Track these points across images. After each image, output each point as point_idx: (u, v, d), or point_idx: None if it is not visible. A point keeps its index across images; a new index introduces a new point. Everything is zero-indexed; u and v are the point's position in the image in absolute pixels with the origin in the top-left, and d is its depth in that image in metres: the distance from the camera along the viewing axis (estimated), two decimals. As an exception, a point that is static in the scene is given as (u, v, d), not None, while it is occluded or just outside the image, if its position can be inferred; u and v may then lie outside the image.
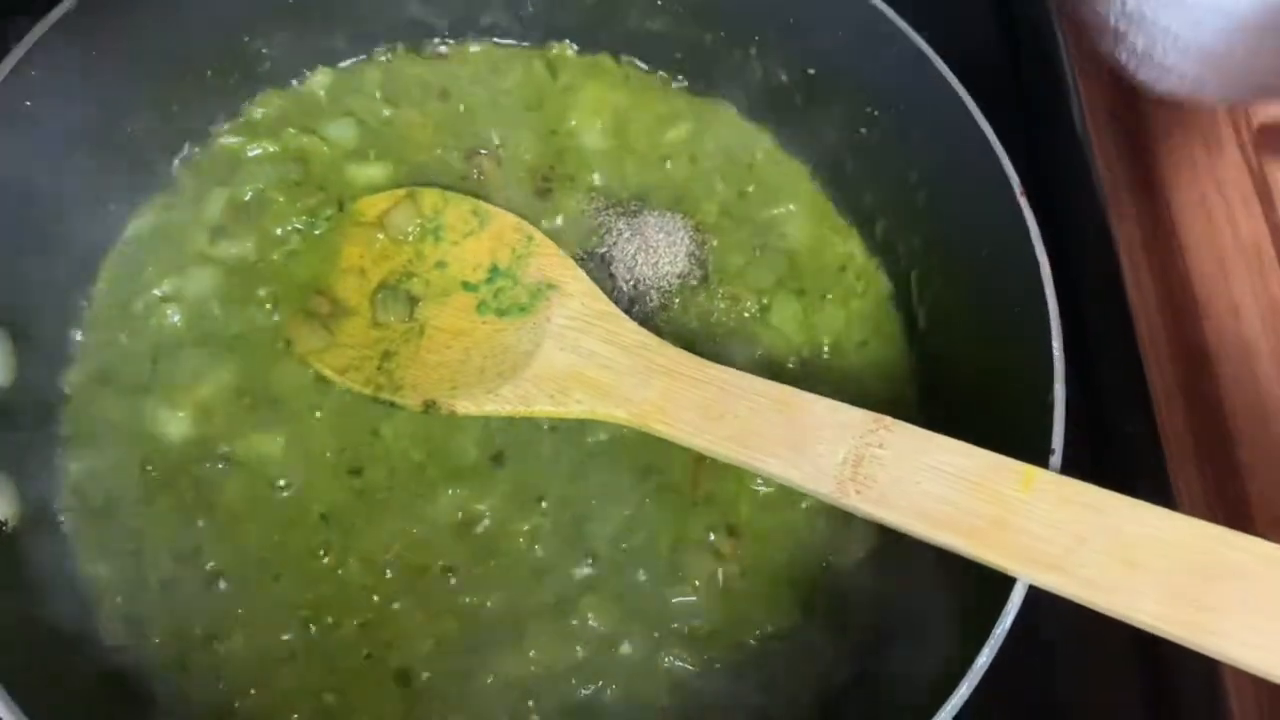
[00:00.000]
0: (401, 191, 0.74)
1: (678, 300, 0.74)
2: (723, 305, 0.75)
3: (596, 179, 0.78)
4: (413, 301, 0.71)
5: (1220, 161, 0.91)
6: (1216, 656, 0.51)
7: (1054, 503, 0.54)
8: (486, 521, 0.67)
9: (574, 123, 0.80)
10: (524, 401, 0.66)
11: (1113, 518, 0.53)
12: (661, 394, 0.63)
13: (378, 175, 0.76)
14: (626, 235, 0.75)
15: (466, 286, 0.72)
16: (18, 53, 0.60)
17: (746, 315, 0.74)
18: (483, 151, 0.78)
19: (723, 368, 0.64)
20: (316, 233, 0.74)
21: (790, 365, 0.73)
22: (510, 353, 0.68)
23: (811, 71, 0.75)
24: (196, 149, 0.75)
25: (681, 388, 0.63)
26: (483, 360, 0.68)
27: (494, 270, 0.72)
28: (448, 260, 0.73)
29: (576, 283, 0.70)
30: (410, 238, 0.73)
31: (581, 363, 0.66)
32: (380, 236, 0.73)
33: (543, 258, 0.72)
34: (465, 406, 0.67)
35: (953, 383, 0.70)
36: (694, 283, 0.75)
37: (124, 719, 0.60)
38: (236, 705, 0.61)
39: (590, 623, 0.64)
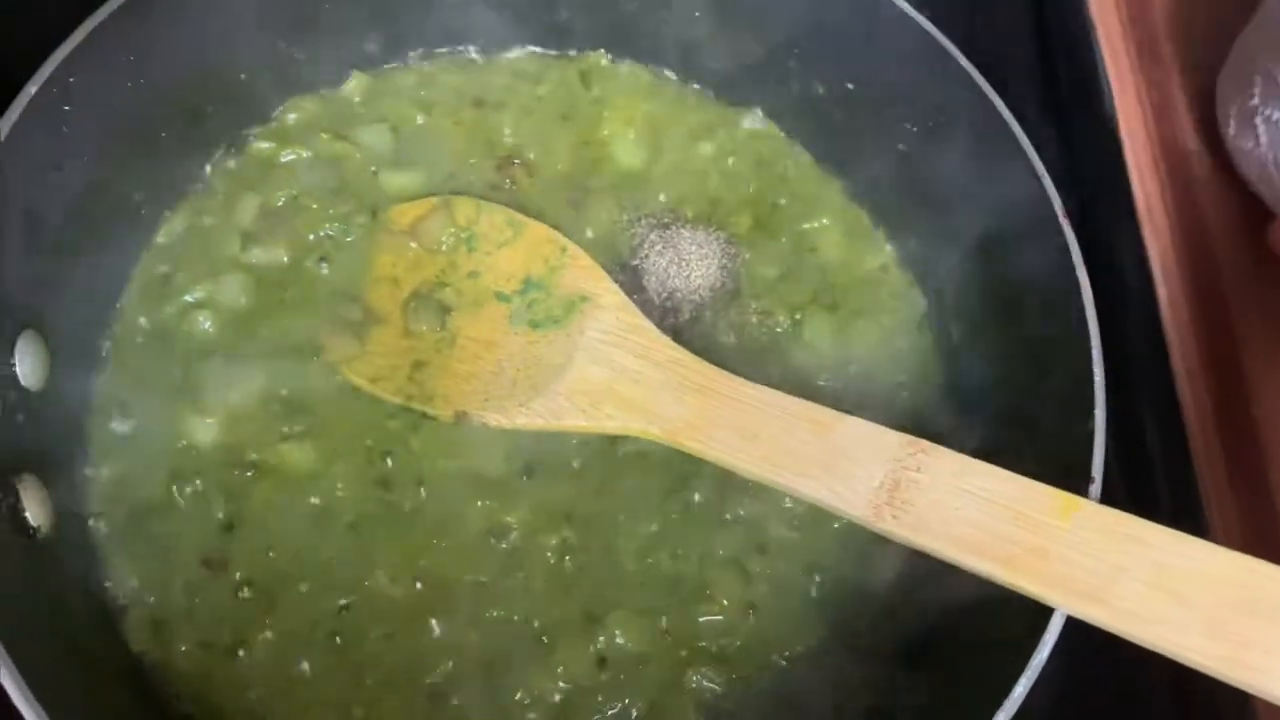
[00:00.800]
0: (435, 200, 0.74)
1: (709, 313, 0.74)
2: (755, 319, 0.74)
3: (629, 190, 0.78)
4: (445, 311, 0.70)
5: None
6: (1258, 693, 0.50)
7: (1094, 532, 0.53)
8: (515, 534, 0.66)
9: (607, 133, 0.80)
10: (555, 415, 0.66)
11: (1155, 550, 0.52)
12: (695, 411, 0.63)
13: (410, 183, 0.76)
14: (659, 247, 0.75)
15: (499, 297, 0.71)
16: (58, 56, 0.60)
17: (779, 330, 0.74)
18: (515, 161, 0.77)
19: (757, 386, 0.63)
20: (349, 239, 0.73)
21: (822, 382, 0.72)
22: (542, 365, 0.67)
23: (851, 86, 0.74)
24: (229, 154, 0.75)
25: (714, 405, 0.62)
26: (515, 372, 0.68)
27: (527, 281, 0.71)
28: (481, 270, 0.72)
29: (610, 295, 0.69)
30: (443, 247, 0.72)
31: (614, 377, 0.65)
32: (413, 245, 0.73)
33: (576, 270, 0.71)
34: (497, 419, 0.66)
35: (987, 402, 0.69)
36: (726, 296, 0.74)
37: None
38: (264, 716, 0.61)
39: (618, 639, 0.64)
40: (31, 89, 0.59)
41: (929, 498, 0.56)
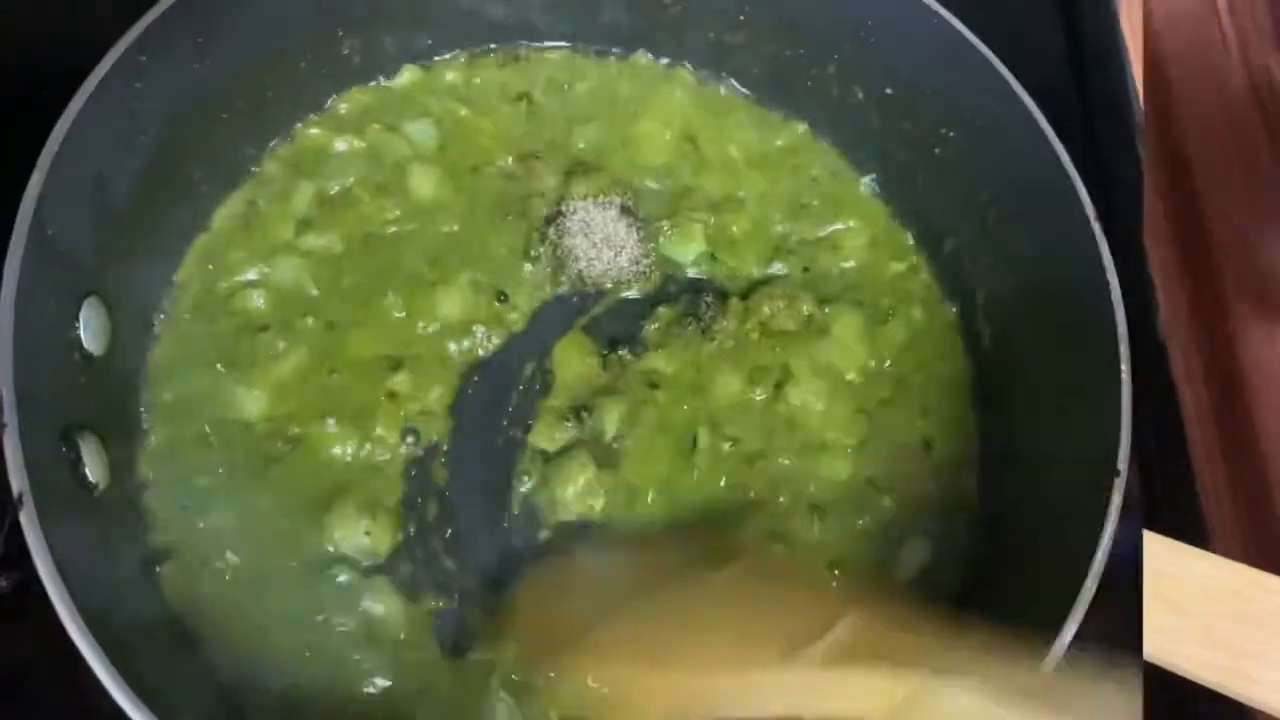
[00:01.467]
0: None
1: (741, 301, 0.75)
2: (784, 314, 0.75)
3: (662, 189, 0.79)
4: None
5: (1264, 192, 0.92)
6: (1257, 705, 0.50)
7: None
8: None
9: (643, 130, 0.81)
10: None
11: (1155, 560, 0.51)
12: None
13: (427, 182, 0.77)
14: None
15: None
16: (131, 35, 0.62)
17: (810, 325, 0.75)
18: (538, 156, 0.79)
19: None
20: (392, 231, 0.75)
21: (850, 377, 0.74)
22: None
23: (889, 91, 0.76)
24: (285, 140, 0.77)
25: None
26: None
27: None
28: None
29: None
30: None
31: None
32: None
33: None
34: None
35: (1015, 402, 0.71)
36: (758, 291, 0.76)
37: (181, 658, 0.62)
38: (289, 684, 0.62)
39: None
40: (106, 65, 0.61)
41: None
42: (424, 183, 0.77)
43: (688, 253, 0.77)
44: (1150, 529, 0.75)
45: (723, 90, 0.84)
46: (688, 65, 0.84)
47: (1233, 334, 0.85)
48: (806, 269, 0.78)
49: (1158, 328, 0.81)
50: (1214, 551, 0.74)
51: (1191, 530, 0.76)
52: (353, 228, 0.75)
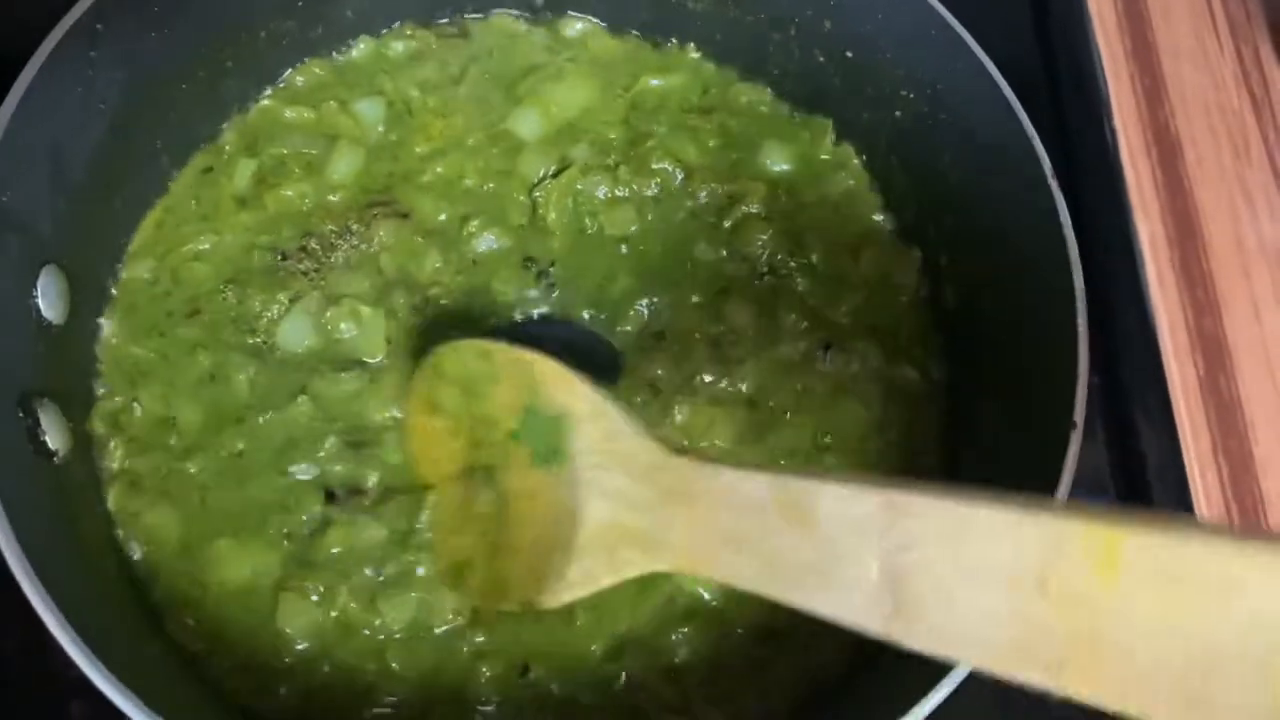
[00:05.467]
0: (425, 369, 0.65)
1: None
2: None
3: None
4: (491, 473, 0.62)
5: (1248, 168, 0.93)
6: None
7: (1151, 589, 0.34)
8: None
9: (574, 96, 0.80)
10: (590, 579, 0.54)
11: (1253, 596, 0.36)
12: (686, 530, 0.49)
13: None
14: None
15: (513, 436, 0.60)
16: (85, 2, 0.62)
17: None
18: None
19: (726, 470, 0.48)
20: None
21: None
22: (564, 514, 0.55)
23: (849, 55, 0.76)
24: (242, 113, 0.77)
25: (700, 515, 0.49)
26: (545, 530, 0.57)
27: (526, 410, 0.59)
28: (493, 414, 0.62)
29: (584, 402, 0.55)
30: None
31: (615, 509, 0.53)
32: (436, 423, 0.65)
33: (550, 383, 0.57)
34: (548, 600, 0.56)
35: (979, 360, 0.71)
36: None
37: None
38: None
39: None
40: (60, 32, 0.62)
41: (933, 587, 0.40)
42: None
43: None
44: (1140, 502, 0.77)
45: (679, 54, 0.83)
46: (644, 33, 0.83)
47: (1219, 308, 0.86)
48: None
49: (1146, 299, 0.83)
50: (1201, 520, 0.77)
51: (1175, 491, 0.78)
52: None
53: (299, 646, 0.62)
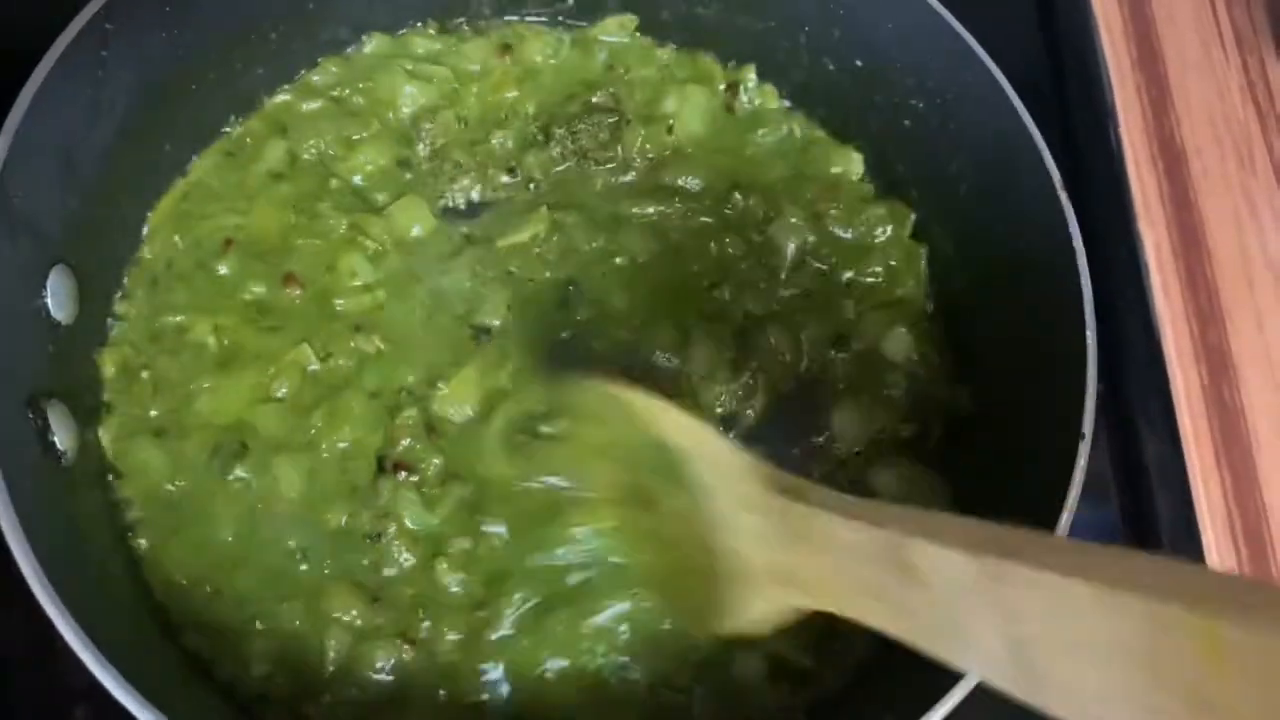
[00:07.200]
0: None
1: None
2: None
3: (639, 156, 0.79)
4: None
5: (1253, 178, 0.93)
6: None
7: (1257, 685, 0.31)
8: None
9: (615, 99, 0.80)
10: (748, 610, 0.53)
11: None
12: (819, 571, 0.48)
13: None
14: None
15: (651, 469, 0.59)
16: (96, 3, 0.62)
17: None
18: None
19: (818, 513, 0.47)
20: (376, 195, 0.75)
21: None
22: (712, 545, 0.55)
23: (859, 63, 0.76)
24: (256, 108, 0.77)
25: (827, 558, 0.47)
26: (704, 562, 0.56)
27: (657, 448, 0.58)
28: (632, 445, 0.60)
29: (695, 439, 0.55)
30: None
31: (753, 545, 0.52)
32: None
33: (661, 421, 0.57)
34: (716, 628, 0.55)
35: (985, 367, 0.71)
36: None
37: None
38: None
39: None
40: (71, 33, 0.61)
41: (1050, 659, 0.38)
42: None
43: None
44: (1142, 511, 0.77)
45: (695, 62, 0.83)
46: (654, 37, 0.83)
47: (1223, 318, 0.86)
48: None
49: (1150, 308, 0.83)
50: (1204, 531, 0.78)
51: (1179, 502, 0.78)
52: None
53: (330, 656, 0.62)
